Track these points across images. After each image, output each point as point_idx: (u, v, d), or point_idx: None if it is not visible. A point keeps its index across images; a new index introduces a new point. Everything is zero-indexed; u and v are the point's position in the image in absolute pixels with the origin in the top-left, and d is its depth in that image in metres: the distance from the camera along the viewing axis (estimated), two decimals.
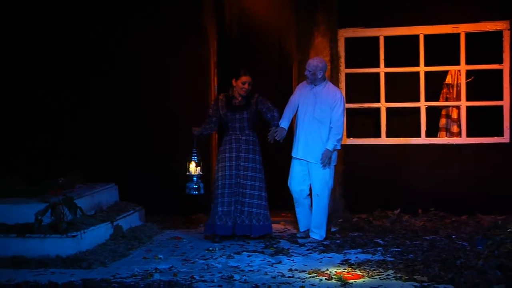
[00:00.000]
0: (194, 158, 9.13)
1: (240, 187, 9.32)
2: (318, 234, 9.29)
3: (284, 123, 9.26)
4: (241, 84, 9.30)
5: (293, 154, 9.33)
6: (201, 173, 9.22)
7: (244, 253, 8.81)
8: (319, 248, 8.96)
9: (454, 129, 11.24)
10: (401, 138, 10.79)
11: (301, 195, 9.32)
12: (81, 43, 11.01)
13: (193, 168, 9.15)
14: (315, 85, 9.24)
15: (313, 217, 9.32)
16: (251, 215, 9.30)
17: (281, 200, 10.04)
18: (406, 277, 7.50)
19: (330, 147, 9.11)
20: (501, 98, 10.44)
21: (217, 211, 9.28)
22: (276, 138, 9.17)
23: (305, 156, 9.22)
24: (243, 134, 9.37)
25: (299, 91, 9.40)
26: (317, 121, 9.16)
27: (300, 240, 9.29)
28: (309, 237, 9.34)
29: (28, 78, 11.08)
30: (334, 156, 9.24)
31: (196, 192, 9.17)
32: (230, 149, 9.34)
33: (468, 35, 10.46)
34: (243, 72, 9.38)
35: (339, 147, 9.26)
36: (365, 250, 8.87)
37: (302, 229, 9.46)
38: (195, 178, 9.14)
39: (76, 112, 11.05)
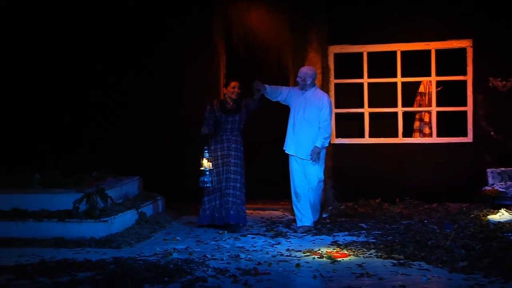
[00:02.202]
0: (206, 155, 8.93)
1: (231, 181, 9.12)
2: (310, 220, 9.07)
3: (267, 85, 9.15)
4: (232, 88, 9.17)
5: (287, 151, 9.15)
6: (212, 168, 9.02)
7: (249, 235, 8.84)
8: (312, 231, 8.99)
9: (426, 130, 11.27)
10: (382, 138, 10.79)
11: (304, 190, 9.05)
12: (118, 66, 11.08)
13: (206, 164, 8.95)
14: (305, 91, 9.10)
15: (307, 210, 9.08)
16: (239, 206, 9.13)
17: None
18: (386, 256, 7.53)
19: (318, 144, 8.94)
20: (465, 104, 10.43)
21: (216, 204, 9.18)
22: (254, 85, 9.05)
23: (297, 153, 9.05)
24: (232, 135, 9.22)
25: (292, 90, 9.22)
26: (307, 121, 9.01)
27: (293, 227, 9.20)
28: (311, 230, 9.01)
29: (64, 89, 11.12)
30: (323, 153, 9.08)
31: (209, 184, 8.95)
32: (221, 148, 9.17)
33: (438, 51, 10.47)
34: (231, 79, 9.38)
35: (326, 144, 9.07)
36: (351, 233, 8.88)
37: (305, 223, 9.11)
38: (207, 172, 8.92)
39: (108, 117, 11.08)
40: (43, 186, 9.32)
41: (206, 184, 8.93)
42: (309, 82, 9.07)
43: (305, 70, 9.14)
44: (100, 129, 11.06)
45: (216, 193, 9.19)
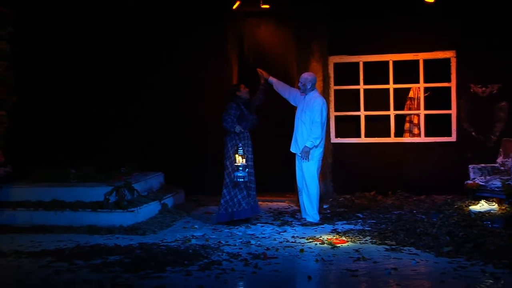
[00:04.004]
0: (240, 151, 8.55)
1: (252, 176, 8.82)
2: (311, 217, 8.87)
3: (273, 78, 9.16)
4: (244, 89, 8.88)
5: (291, 149, 9.01)
6: (245, 164, 8.56)
7: (258, 224, 8.84)
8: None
9: (415, 131, 11.25)
10: (376, 138, 10.79)
11: (302, 185, 8.93)
12: (142, 73, 11.08)
13: (240, 160, 8.54)
14: (306, 95, 8.91)
15: (306, 205, 8.91)
16: (255, 198, 8.97)
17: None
18: (380, 242, 7.56)
19: (308, 144, 8.68)
20: (450, 108, 10.42)
21: (246, 200, 8.77)
22: (258, 69, 9.13)
23: (296, 151, 8.90)
24: (248, 132, 8.87)
25: (298, 95, 9.02)
26: (302, 123, 8.82)
27: (298, 216, 9.16)
28: (305, 219, 8.92)
29: (95, 95, 11.16)
30: (318, 152, 8.79)
31: (242, 179, 8.56)
32: (244, 145, 8.73)
33: (425, 61, 10.46)
34: (236, 84, 9.29)
35: (316, 144, 8.66)
36: (349, 222, 8.89)
37: (303, 215, 9.05)
38: (241, 168, 8.53)
39: (135, 118, 11.11)
40: (78, 180, 9.39)
41: (241, 179, 8.55)
42: (309, 87, 8.90)
43: (305, 76, 8.98)
44: (129, 132, 11.07)
45: (248, 190, 8.80)
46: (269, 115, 9.86)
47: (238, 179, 8.60)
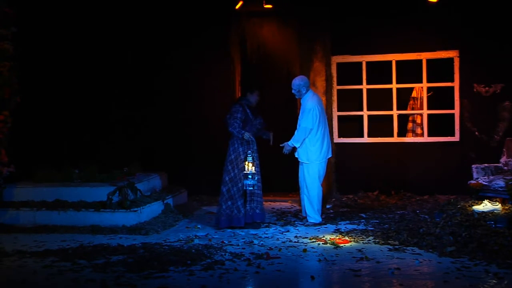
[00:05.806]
0: (249, 158, 8.37)
1: (258, 182, 8.59)
2: (313, 218, 8.78)
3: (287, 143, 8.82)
4: (257, 96, 8.73)
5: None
6: (254, 171, 8.39)
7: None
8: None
9: (418, 131, 11.25)
10: (379, 138, 10.77)
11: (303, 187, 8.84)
12: (145, 73, 11.08)
13: (250, 167, 8.34)
14: (302, 98, 8.76)
15: (306, 207, 8.83)
16: (262, 205, 8.69)
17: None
18: (383, 242, 7.55)
19: (289, 142, 8.62)
20: (453, 108, 10.41)
21: (243, 208, 8.56)
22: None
23: (297, 155, 8.80)
24: (253, 136, 8.57)
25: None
26: (298, 124, 8.75)
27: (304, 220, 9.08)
28: (307, 221, 8.84)
29: (98, 96, 11.15)
30: (315, 156, 8.67)
31: (252, 188, 8.40)
32: (246, 150, 8.54)
33: (428, 61, 10.44)
34: (254, 87, 8.95)
35: (296, 145, 8.61)
36: (352, 221, 8.88)
37: (304, 214, 8.98)
38: (250, 176, 8.35)
39: (138, 120, 11.11)
40: (81, 180, 9.41)
41: (250, 187, 8.36)
42: (304, 92, 8.70)
43: (297, 82, 8.71)
44: (130, 129, 11.08)
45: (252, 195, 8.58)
46: (273, 115, 9.85)
47: (248, 188, 8.43)
